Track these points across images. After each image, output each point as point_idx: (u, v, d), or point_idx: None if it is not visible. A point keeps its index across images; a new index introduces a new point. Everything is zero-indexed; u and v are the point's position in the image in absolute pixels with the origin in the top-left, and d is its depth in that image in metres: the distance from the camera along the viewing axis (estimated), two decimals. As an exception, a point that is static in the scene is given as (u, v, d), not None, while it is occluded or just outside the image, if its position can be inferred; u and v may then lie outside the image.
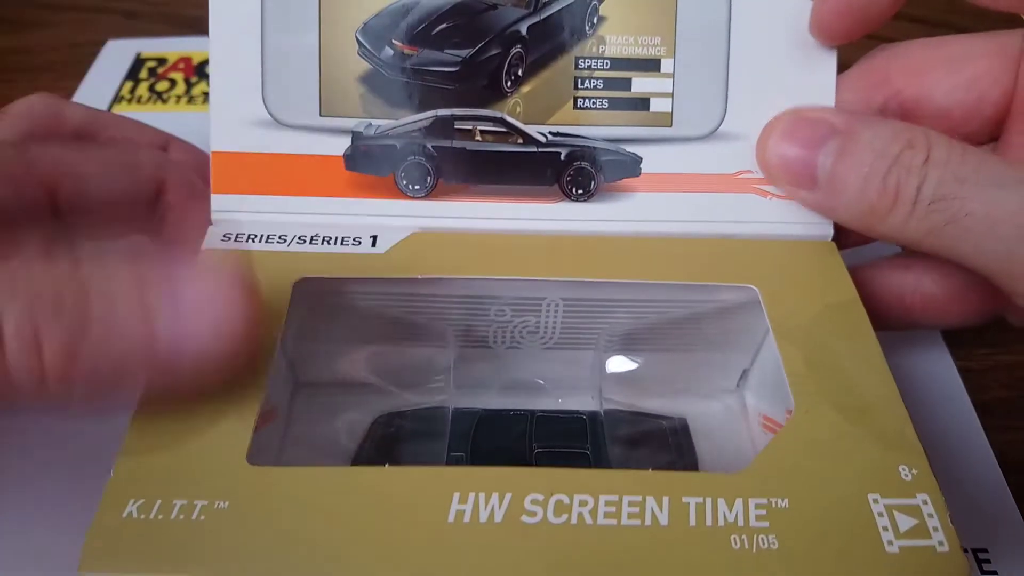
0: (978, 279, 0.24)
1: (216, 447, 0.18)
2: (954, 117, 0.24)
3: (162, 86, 0.41)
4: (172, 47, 0.43)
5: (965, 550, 0.23)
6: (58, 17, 0.47)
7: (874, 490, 0.18)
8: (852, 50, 0.24)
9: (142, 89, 0.40)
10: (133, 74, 0.41)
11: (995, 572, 0.23)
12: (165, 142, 0.28)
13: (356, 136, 0.23)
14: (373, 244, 0.23)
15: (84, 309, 0.15)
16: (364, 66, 0.24)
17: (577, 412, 0.24)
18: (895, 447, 0.19)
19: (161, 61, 0.42)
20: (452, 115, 0.24)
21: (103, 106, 0.39)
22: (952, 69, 0.24)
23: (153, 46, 0.43)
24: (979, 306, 0.25)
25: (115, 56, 0.42)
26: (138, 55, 0.42)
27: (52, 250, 0.16)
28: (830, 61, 0.24)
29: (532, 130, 0.24)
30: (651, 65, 0.24)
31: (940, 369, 0.28)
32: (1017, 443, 0.27)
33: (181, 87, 0.41)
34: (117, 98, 0.40)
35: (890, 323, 0.22)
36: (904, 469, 0.18)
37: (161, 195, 0.25)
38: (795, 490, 0.18)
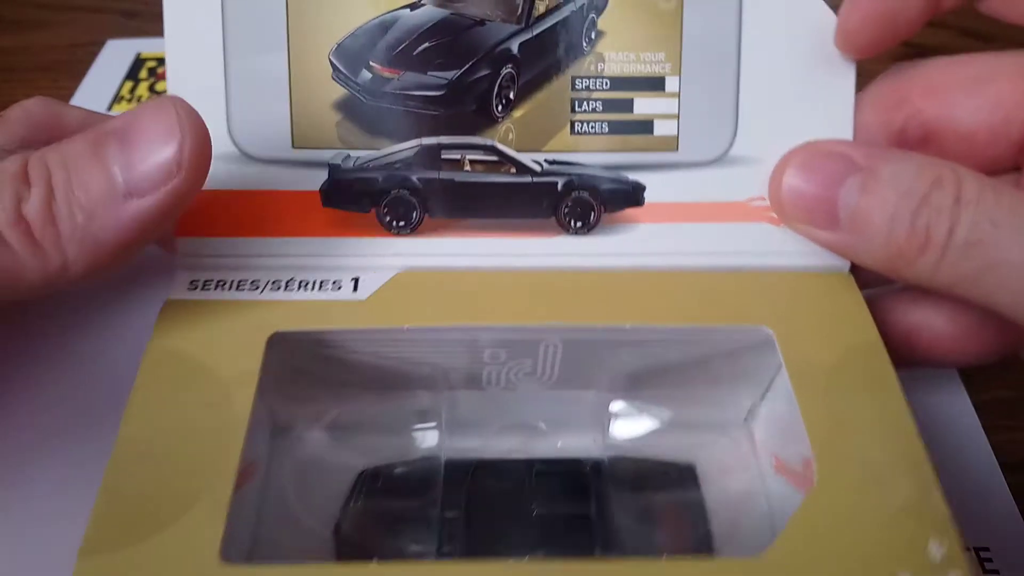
0: (994, 316, 0.22)
1: (187, 540, 0.16)
2: (978, 140, 0.22)
3: (162, 86, 0.40)
4: None
5: (966, 549, 0.23)
6: (58, 17, 0.46)
7: (904, 569, 0.16)
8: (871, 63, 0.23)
9: (142, 89, 0.40)
10: (133, 74, 0.41)
11: (996, 572, 0.23)
12: None
13: (333, 169, 0.21)
14: (355, 288, 0.21)
15: (47, 178, 0.17)
16: (339, 91, 0.21)
17: (578, 462, 0.23)
18: (924, 518, 0.17)
19: (161, 61, 0.41)
20: (439, 144, 0.22)
21: (103, 106, 0.39)
22: (976, 89, 0.22)
23: (153, 46, 0.42)
24: (993, 344, 0.24)
25: (115, 56, 0.42)
26: (138, 55, 0.42)
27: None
28: (848, 78, 0.22)
29: (526, 158, 0.22)
30: (655, 84, 0.22)
31: (940, 368, 0.27)
32: (1017, 443, 0.27)
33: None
34: (117, 98, 0.39)
35: (895, 361, 0.21)
36: (935, 545, 0.17)
37: None
38: (818, 574, 0.16)
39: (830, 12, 0.22)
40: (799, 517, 0.18)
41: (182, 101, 0.18)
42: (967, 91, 0.22)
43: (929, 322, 0.23)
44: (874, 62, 0.23)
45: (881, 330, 0.21)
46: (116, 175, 0.17)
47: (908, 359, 0.24)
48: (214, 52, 0.21)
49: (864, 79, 0.23)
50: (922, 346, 0.23)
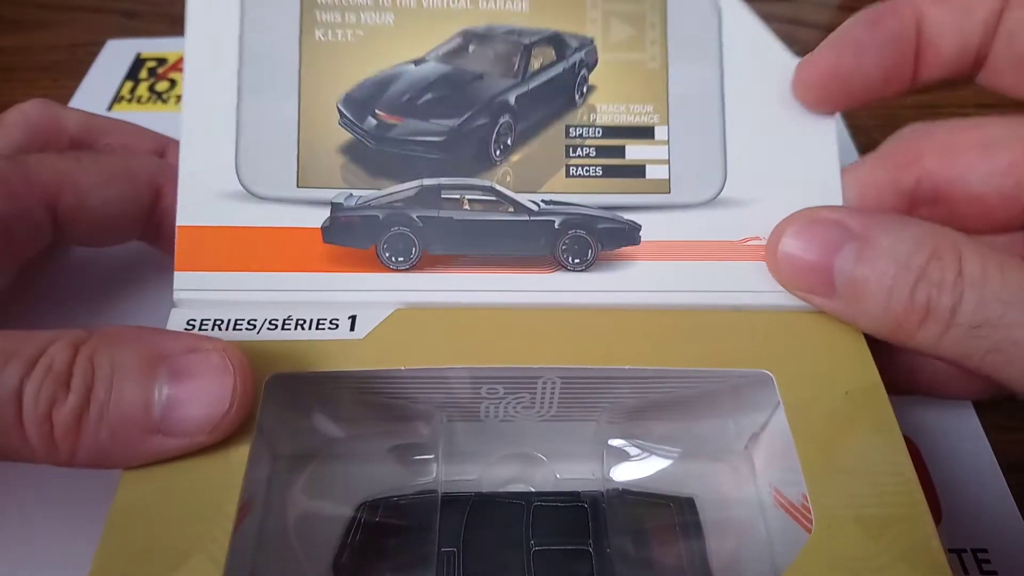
0: None
1: None
2: (990, 203, 0.22)
3: (162, 86, 0.40)
4: (172, 47, 0.42)
5: (964, 550, 0.23)
6: (58, 17, 0.46)
7: None
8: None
9: (142, 89, 0.40)
10: (133, 74, 0.41)
11: (995, 572, 0.23)
12: (163, 146, 0.28)
13: (336, 207, 0.22)
14: (352, 327, 0.21)
15: (89, 388, 0.17)
16: (345, 136, 0.22)
17: (577, 496, 0.22)
18: (922, 566, 0.17)
19: (161, 61, 0.42)
20: (439, 184, 0.22)
21: (103, 106, 0.39)
22: (988, 152, 0.22)
23: (153, 46, 0.42)
24: (991, 385, 0.24)
25: (115, 56, 0.42)
26: (138, 55, 0.42)
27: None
28: (830, 122, 0.23)
29: (523, 198, 0.22)
30: (645, 133, 0.23)
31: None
32: (1017, 443, 0.27)
33: (181, 87, 0.40)
34: (117, 98, 0.39)
35: (894, 391, 0.20)
36: None
37: (158, 201, 0.25)
38: None
39: None
40: (798, 567, 0.17)
41: (245, 369, 0.18)
42: (979, 155, 0.22)
43: (933, 361, 0.23)
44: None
45: (882, 363, 0.21)
46: (155, 409, 0.17)
47: (904, 389, 0.23)
48: (228, 100, 0.22)
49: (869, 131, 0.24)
50: (924, 381, 0.23)
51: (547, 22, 0.23)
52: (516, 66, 0.23)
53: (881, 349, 0.21)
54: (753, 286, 0.22)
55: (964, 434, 0.26)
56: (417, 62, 0.23)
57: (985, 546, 0.23)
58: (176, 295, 0.21)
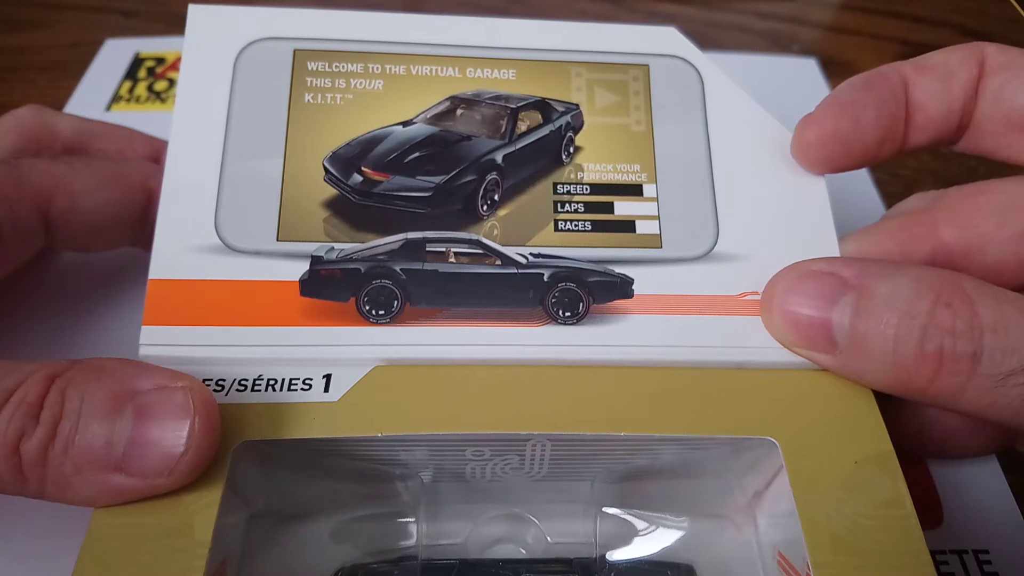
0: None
1: None
2: (1007, 271, 0.22)
3: (160, 85, 0.40)
4: (171, 46, 0.42)
5: (966, 551, 0.23)
6: (56, 16, 0.46)
7: None
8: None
9: (140, 89, 0.40)
10: (132, 74, 0.40)
11: (996, 574, 0.22)
12: (157, 150, 0.28)
13: (315, 260, 0.21)
14: (326, 388, 0.20)
15: (56, 421, 0.17)
16: (329, 192, 0.22)
17: (569, 563, 0.20)
18: None
19: (160, 60, 0.41)
20: (424, 237, 0.22)
21: (101, 106, 0.38)
22: (1004, 220, 0.22)
23: (152, 45, 0.42)
24: (998, 439, 0.23)
25: (113, 55, 0.42)
26: (136, 54, 0.42)
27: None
28: (820, 179, 0.23)
29: (511, 251, 0.22)
30: (633, 190, 0.23)
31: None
32: None
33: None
34: (116, 98, 0.39)
35: (901, 453, 0.19)
36: None
37: (150, 205, 0.25)
38: None
39: (786, 131, 0.23)
40: None
41: (208, 410, 0.18)
42: (995, 222, 0.22)
43: (941, 419, 0.22)
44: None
45: (890, 421, 0.20)
46: (117, 447, 0.17)
47: (911, 453, 0.22)
48: (213, 156, 0.22)
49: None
50: (934, 439, 0.22)
51: (533, 90, 0.24)
52: (503, 128, 0.23)
53: (885, 408, 0.20)
54: (753, 342, 0.21)
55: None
56: (405, 124, 0.23)
57: (986, 547, 0.23)
58: (142, 350, 0.20)
